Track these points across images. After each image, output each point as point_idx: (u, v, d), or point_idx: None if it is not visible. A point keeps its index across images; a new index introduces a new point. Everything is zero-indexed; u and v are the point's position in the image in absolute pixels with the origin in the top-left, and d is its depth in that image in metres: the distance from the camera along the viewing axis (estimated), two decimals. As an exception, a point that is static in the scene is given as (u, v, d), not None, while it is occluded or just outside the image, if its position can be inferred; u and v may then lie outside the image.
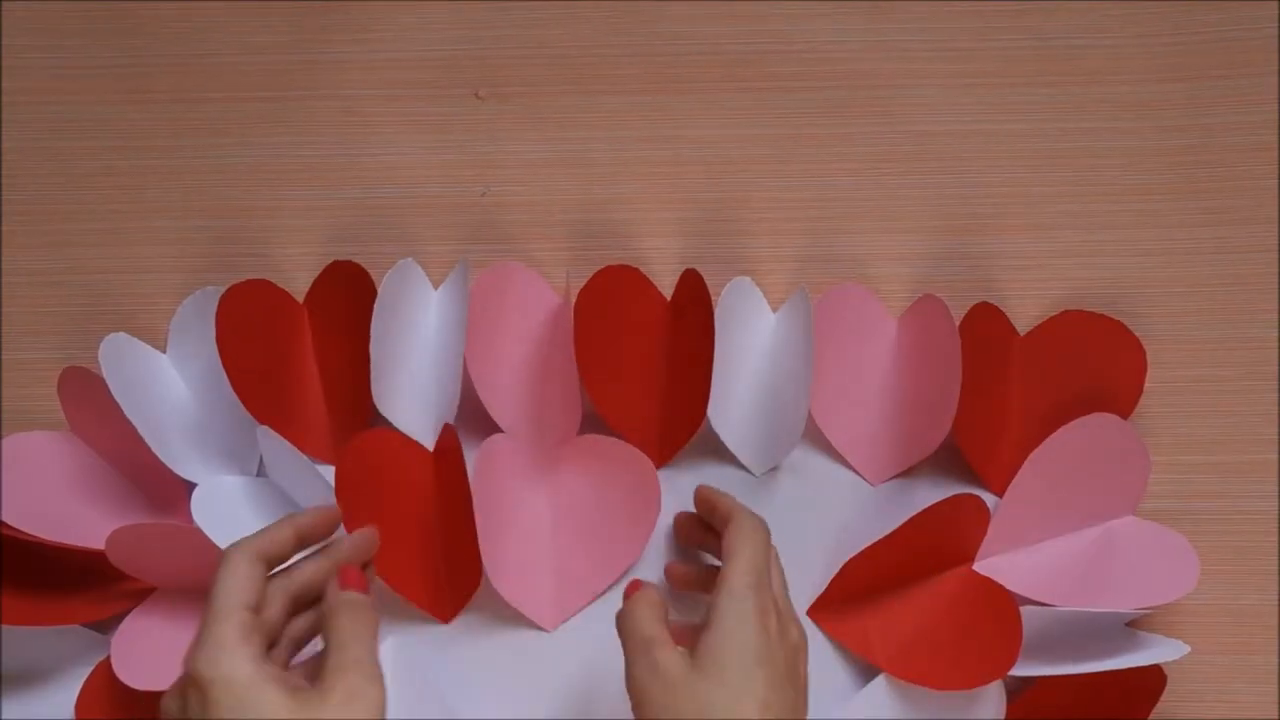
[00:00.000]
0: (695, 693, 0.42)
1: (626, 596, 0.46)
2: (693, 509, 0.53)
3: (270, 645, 0.44)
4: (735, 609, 0.44)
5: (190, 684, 0.41)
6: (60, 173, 0.59)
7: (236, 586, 0.43)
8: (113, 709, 0.53)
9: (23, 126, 0.60)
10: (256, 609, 0.43)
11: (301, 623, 0.46)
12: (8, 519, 0.53)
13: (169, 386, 0.57)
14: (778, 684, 0.43)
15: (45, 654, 0.55)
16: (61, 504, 0.55)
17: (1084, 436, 0.54)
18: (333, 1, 0.59)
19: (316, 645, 0.45)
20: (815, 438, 0.56)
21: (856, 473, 0.56)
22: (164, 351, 0.57)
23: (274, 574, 0.45)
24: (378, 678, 0.42)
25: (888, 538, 0.53)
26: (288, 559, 0.46)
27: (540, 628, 0.55)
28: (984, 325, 0.56)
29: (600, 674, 0.55)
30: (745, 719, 0.42)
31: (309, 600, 0.46)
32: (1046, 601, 0.53)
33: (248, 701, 0.40)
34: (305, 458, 0.53)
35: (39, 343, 0.58)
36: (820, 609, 0.55)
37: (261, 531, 0.45)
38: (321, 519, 0.47)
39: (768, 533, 0.48)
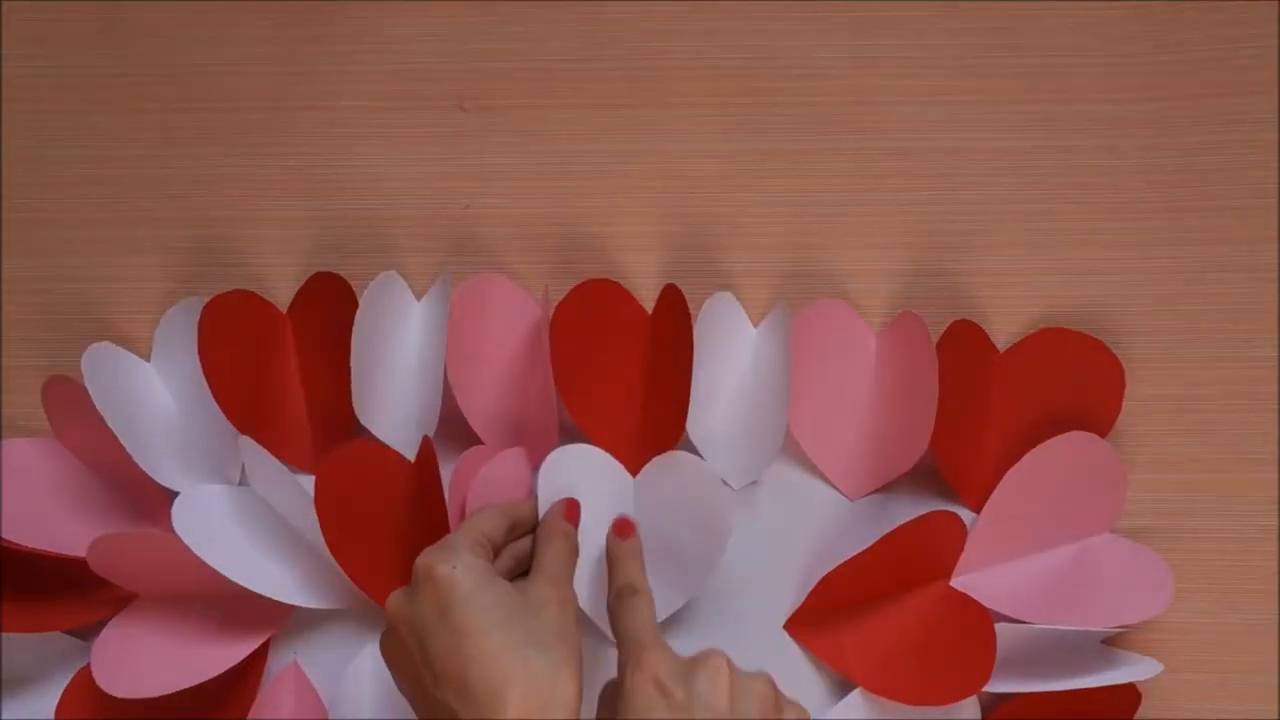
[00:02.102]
0: None
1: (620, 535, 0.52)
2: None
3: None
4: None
5: (423, 579, 0.46)
6: (45, 181, 0.60)
7: (480, 521, 0.50)
8: (93, 715, 0.54)
9: (10, 134, 0.60)
10: (492, 541, 0.50)
11: (527, 543, 0.53)
12: (-10, 526, 0.54)
13: (152, 396, 0.57)
14: None
15: (27, 660, 0.55)
16: (45, 511, 0.56)
17: (1062, 454, 0.54)
18: (318, 14, 0.60)
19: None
20: (794, 452, 0.57)
21: (835, 488, 0.57)
22: (148, 360, 0.58)
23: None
24: (571, 600, 0.48)
25: (865, 553, 0.53)
26: (529, 528, 0.53)
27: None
28: (963, 342, 0.56)
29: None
30: None
31: (524, 531, 0.53)
32: (1022, 618, 0.53)
33: (479, 587, 0.46)
34: (285, 468, 0.53)
35: (23, 350, 0.59)
36: (797, 623, 0.55)
37: (513, 501, 0.53)
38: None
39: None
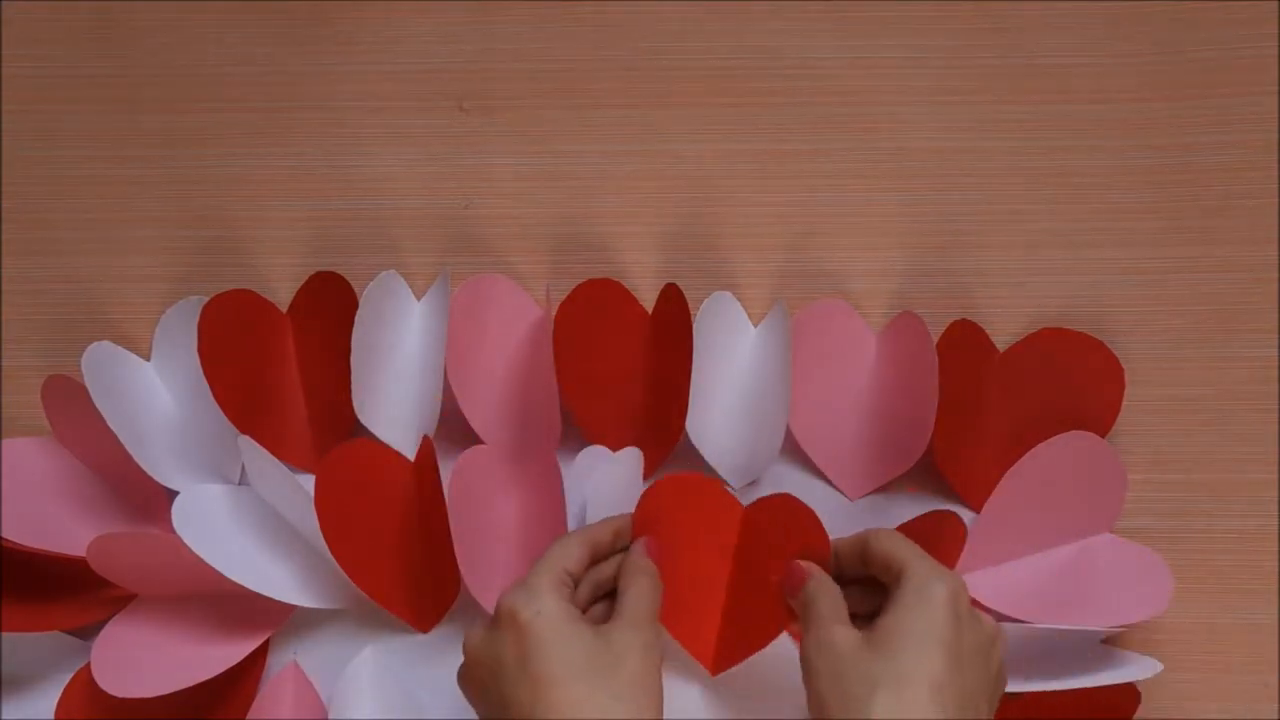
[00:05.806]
0: (862, 667, 0.43)
1: (800, 580, 0.49)
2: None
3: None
4: (920, 591, 0.44)
5: (506, 622, 0.46)
6: (46, 180, 0.60)
7: (562, 553, 0.48)
8: (93, 715, 0.54)
9: (10, 134, 0.60)
10: (573, 576, 0.48)
11: (608, 569, 0.51)
12: (-9, 525, 0.54)
13: (152, 395, 0.57)
14: (959, 667, 0.42)
15: (27, 659, 0.55)
16: (45, 510, 0.56)
17: (1061, 454, 0.54)
18: (318, 14, 0.60)
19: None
20: (794, 452, 0.57)
21: (835, 487, 0.57)
22: (148, 360, 0.58)
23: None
24: (654, 645, 0.47)
25: (865, 553, 0.53)
26: (608, 552, 0.51)
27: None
28: (963, 342, 0.56)
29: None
30: (911, 696, 0.41)
31: (603, 555, 0.51)
32: (1022, 618, 0.53)
33: (561, 636, 0.45)
34: (285, 467, 0.53)
35: (23, 350, 0.59)
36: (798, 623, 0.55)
37: (592, 525, 0.52)
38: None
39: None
